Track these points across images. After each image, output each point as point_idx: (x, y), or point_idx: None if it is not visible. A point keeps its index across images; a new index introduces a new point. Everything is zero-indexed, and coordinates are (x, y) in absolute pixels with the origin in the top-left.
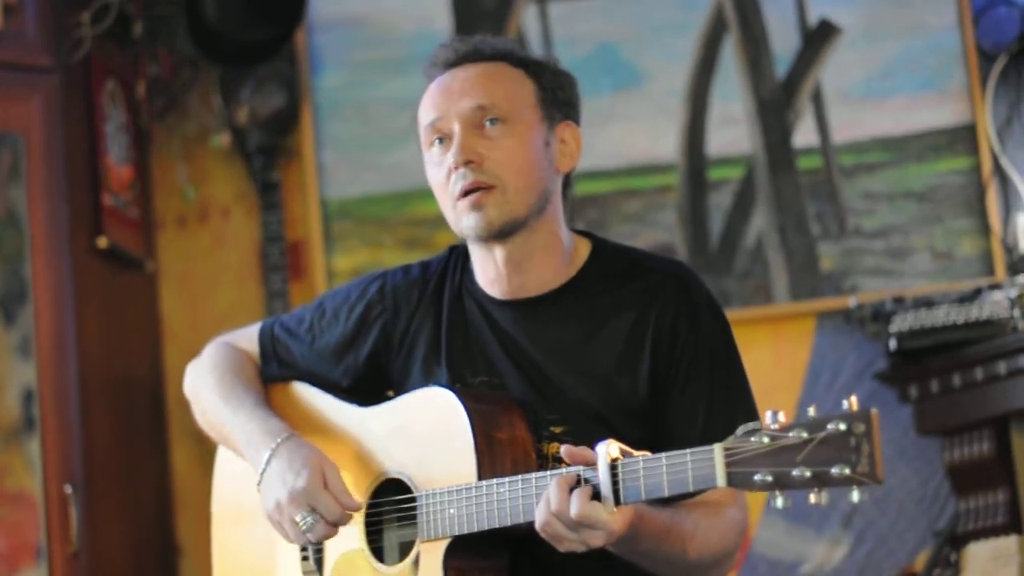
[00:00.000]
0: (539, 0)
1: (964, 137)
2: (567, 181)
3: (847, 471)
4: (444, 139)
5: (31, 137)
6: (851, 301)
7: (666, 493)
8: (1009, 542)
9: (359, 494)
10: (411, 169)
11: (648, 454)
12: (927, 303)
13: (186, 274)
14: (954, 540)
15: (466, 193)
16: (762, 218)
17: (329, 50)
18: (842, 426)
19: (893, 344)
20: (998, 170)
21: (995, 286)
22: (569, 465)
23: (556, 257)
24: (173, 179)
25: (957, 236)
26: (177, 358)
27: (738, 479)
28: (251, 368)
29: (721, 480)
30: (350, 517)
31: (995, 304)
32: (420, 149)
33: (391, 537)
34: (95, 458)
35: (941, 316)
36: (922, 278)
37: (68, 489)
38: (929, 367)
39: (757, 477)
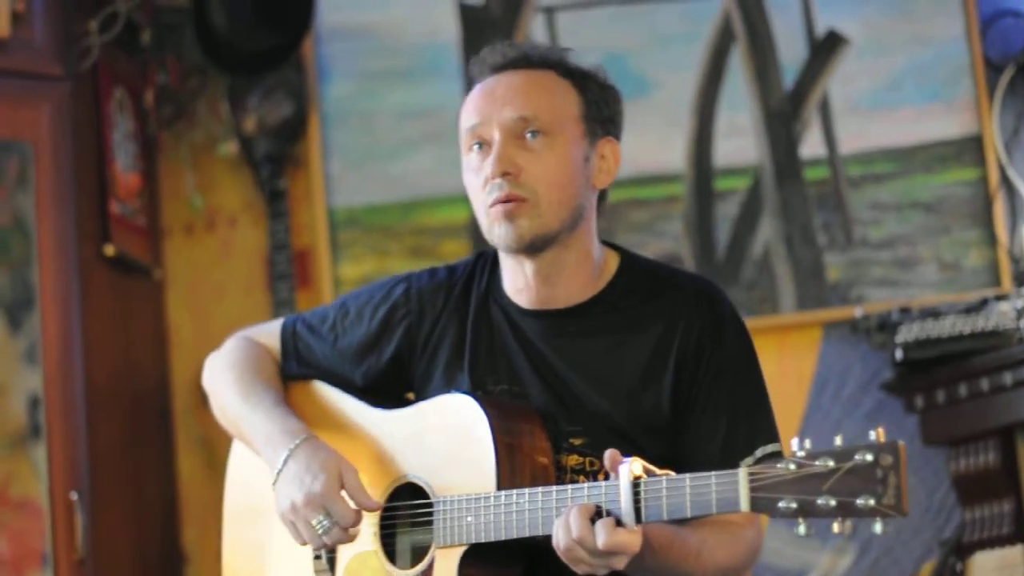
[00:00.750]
0: (547, 10)
1: (971, 148)
2: (602, 196)
3: (872, 502)
4: (483, 145)
5: (39, 145)
6: (857, 311)
7: (688, 514)
8: (1014, 552)
9: (375, 496)
10: (417, 178)
11: (671, 473)
12: (933, 313)
13: (193, 282)
14: (959, 550)
15: (498, 203)
16: (769, 228)
17: (337, 59)
18: (869, 457)
19: (899, 354)
20: (1005, 181)
21: (1001, 297)
22: (601, 475)
23: (586, 271)
24: (180, 187)
25: (964, 247)
26: (184, 366)
27: (762, 504)
28: (271, 365)
29: (745, 505)
30: (361, 522)
31: (1001, 315)
32: (427, 158)
33: (404, 541)
34: (101, 465)
35: (947, 327)
36: (929, 289)
37: (74, 496)
38: (935, 377)
39: (781, 504)
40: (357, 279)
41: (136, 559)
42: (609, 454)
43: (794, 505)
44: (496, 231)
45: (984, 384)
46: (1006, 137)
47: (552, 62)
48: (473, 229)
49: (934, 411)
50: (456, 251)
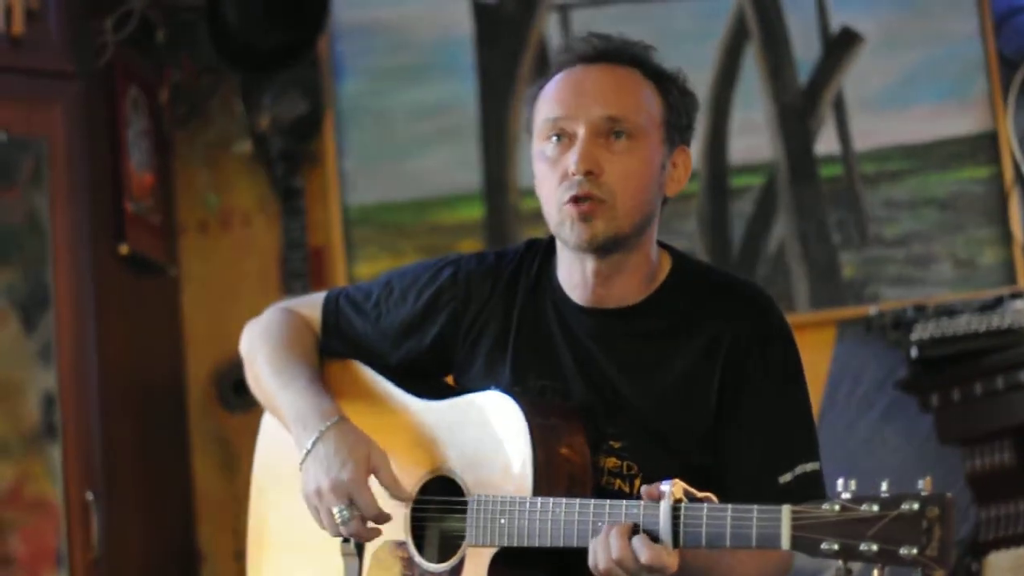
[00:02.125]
0: (561, 8)
1: (986, 145)
2: (664, 200)
3: (915, 552)
4: (563, 137)
5: (54, 143)
6: (872, 309)
7: (728, 545)
8: None
9: (408, 485)
10: (432, 176)
11: (712, 497)
12: (948, 311)
13: (208, 280)
14: (975, 549)
15: (575, 200)
16: (783, 226)
17: (351, 57)
18: (916, 506)
19: (914, 352)
20: (1020, 178)
21: (1017, 295)
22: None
23: (643, 273)
24: (195, 185)
25: (979, 244)
26: (198, 364)
27: (803, 544)
28: (309, 339)
29: (785, 543)
30: (388, 518)
31: (1017, 313)
32: (442, 156)
33: (434, 534)
34: (116, 464)
35: (962, 325)
36: (943, 286)
37: (89, 496)
38: (950, 375)
39: (824, 545)
40: (371, 278)
41: (151, 558)
42: (645, 492)
43: (836, 547)
44: (567, 229)
45: (999, 382)
46: (1020, 134)
47: (639, 60)
48: (487, 227)
49: (949, 409)
50: (470, 249)
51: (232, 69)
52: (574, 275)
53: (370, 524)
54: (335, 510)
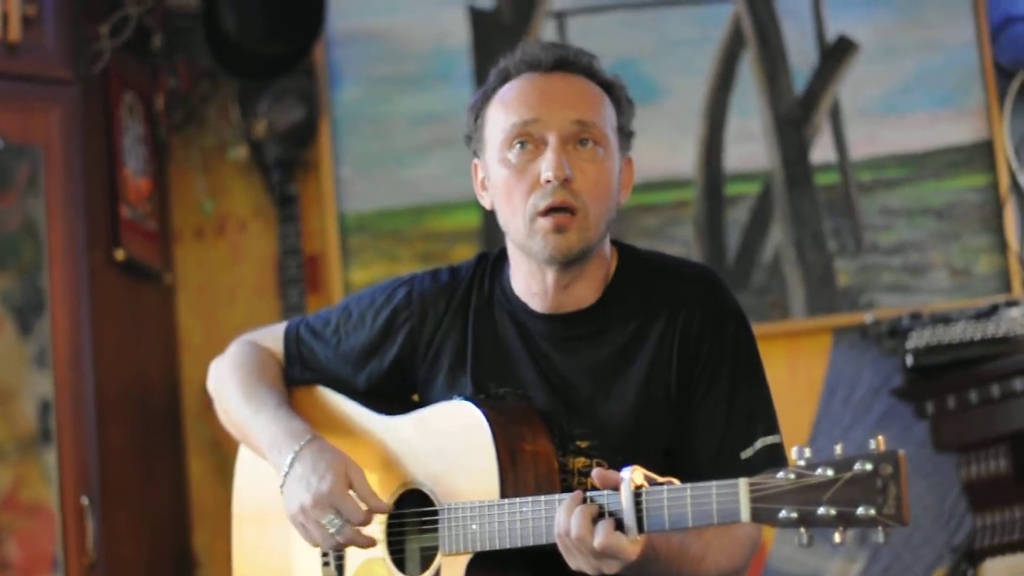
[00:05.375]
0: (558, 15)
1: (982, 154)
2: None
3: (872, 512)
4: (529, 143)
5: (49, 149)
6: (868, 317)
7: (690, 525)
8: None
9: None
10: (428, 183)
11: (674, 481)
12: (944, 319)
13: (203, 286)
14: (971, 556)
15: (550, 211)
16: (779, 234)
17: (347, 64)
18: (868, 466)
19: (910, 360)
20: (1015, 187)
21: (1012, 303)
22: (596, 490)
23: (599, 276)
24: (191, 191)
25: (974, 253)
26: (194, 370)
27: (762, 515)
28: (274, 368)
29: (745, 515)
30: (372, 523)
31: (1012, 321)
32: (438, 163)
33: (412, 548)
34: (112, 469)
35: (958, 332)
36: (939, 294)
37: (84, 500)
38: (946, 383)
39: (782, 514)
40: (367, 284)
41: (147, 563)
42: (596, 475)
43: (794, 515)
44: (540, 241)
45: (995, 390)
46: (1016, 143)
47: (592, 70)
48: (484, 234)
49: (945, 417)
50: (467, 256)
51: (228, 76)
52: (532, 284)
53: (362, 530)
54: (324, 521)
